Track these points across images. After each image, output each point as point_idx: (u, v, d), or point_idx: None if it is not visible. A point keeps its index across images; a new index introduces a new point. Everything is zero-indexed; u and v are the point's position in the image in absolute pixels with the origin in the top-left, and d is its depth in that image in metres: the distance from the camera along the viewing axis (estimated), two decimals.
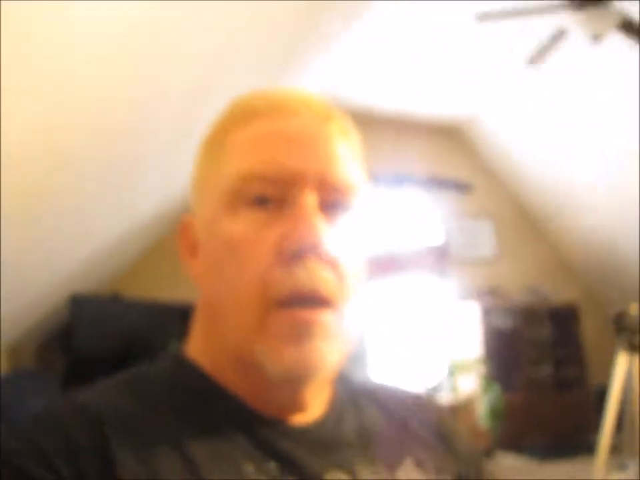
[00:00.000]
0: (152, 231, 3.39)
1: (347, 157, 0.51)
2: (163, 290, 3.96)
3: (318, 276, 0.46)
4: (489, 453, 4.38)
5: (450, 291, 5.21)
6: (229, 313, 0.48)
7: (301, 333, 0.46)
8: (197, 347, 0.54)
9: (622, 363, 2.10)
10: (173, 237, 0.58)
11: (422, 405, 0.64)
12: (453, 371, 4.40)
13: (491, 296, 5.24)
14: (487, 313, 4.99)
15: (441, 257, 5.22)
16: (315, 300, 0.46)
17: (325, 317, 0.46)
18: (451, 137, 5.64)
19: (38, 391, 2.18)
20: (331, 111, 0.53)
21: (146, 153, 1.85)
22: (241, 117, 0.51)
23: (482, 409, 4.17)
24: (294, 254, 0.45)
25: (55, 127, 1.12)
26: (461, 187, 5.52)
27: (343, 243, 0.48)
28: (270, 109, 0.50)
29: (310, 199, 0.47)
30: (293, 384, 0.49)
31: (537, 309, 5.38)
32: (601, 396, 5.12)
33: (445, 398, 4.17)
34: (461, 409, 3.83)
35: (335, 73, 4.21)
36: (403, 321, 5.05)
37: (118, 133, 1.44)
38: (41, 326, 2.94)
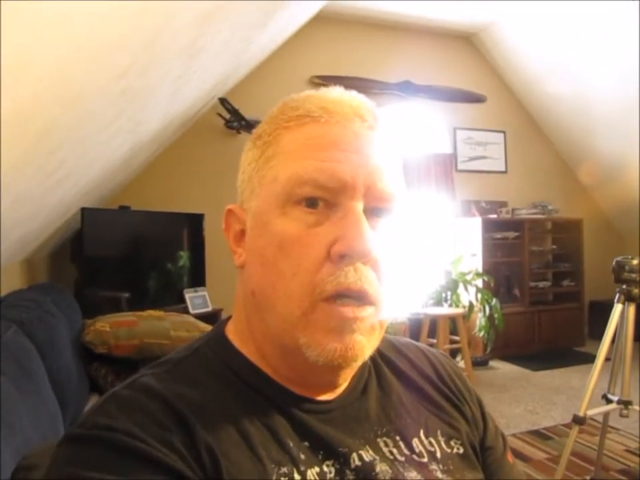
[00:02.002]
0: (153, 146, 3.37)
1: (391, 166, 0.55)
2: (165, 202, 4.00)
3: (364, 276, 0.50)
4: (484, 362, 4.62)
5: (455, 202, 5.20)
6: (277, 304, 0.51)
7: (345, 328, 0.50)
8: (239, 331, 0.58)
9: (618, 311, 2.13)
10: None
11: (430, 360, 0.69)
12: (455, 283, 4.51)
13: (496, 209, 5.25)
14: (490, 225, 5.02)
15: (449, 166, 5.14)
16: (360, 297, 0.50)
17: (367, 313, 0.50)
18: (465, 44, 5.35)
19: (56, 302, 2.25)
20: (377, 119, 0.56)
21: (152, 85, 1.81)
22: (295, 118, 0.54)
23: (480, 320, 4.33)
24: (344, 256, 0.49)
25: (67, 75, 1.09)
26: (473, 98, 5.32)
27: (383, 246, 0.52)
28: (322, 113, 0.53)
29: (359, 206, 0.51)
30: (332, 369, 0.53)
31: (541, 223, 5.41)
32: (593, 308, 5.32)
33: (446, 309, 4.32)
34: (460, 319, 3.97)
35: None
36: (408, 232, 5.08)
37: (126, 69, 1.40)
38: (51, 240, 3.00)
